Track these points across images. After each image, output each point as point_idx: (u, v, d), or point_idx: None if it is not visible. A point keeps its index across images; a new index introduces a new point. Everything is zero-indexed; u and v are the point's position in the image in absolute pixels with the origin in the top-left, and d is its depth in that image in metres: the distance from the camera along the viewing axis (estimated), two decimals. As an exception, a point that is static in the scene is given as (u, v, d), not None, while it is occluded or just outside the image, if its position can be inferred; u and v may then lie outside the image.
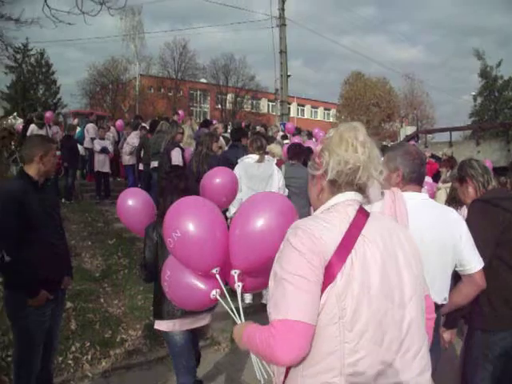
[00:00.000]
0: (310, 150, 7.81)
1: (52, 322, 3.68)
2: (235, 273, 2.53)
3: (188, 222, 2.55)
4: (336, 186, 1.86)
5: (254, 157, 6.76)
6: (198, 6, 38.66)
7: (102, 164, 12.34)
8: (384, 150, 9.75)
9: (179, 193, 3.40)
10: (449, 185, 8.07)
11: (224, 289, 2.55)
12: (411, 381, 1.74)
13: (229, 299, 2.52)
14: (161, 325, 3.58)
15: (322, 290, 1.67)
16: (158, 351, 5.34)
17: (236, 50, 79.67)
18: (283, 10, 24.17)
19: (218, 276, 2.54)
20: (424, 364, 1.80)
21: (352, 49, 71.92)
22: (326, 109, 61.10)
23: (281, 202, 2.63)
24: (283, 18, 24.25)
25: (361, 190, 1.87)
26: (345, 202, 1.84)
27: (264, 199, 2.69)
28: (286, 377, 1.80)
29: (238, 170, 6.55)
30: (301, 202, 7.17)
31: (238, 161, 6.82)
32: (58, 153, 10.63)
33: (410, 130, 29.26)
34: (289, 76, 25.28)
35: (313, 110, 61.13)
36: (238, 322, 2.37)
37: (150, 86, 43.73)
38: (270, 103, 52.25)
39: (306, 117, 57.97)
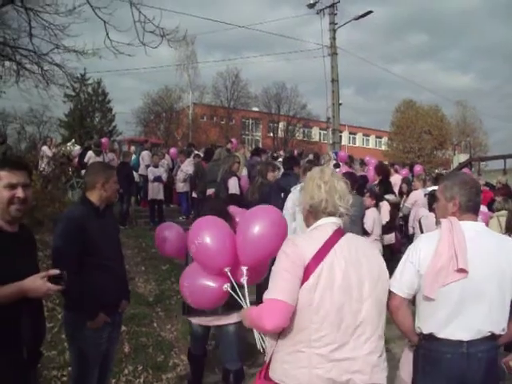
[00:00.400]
0: (363, 179, 7.79)
1: (108, 344, 3.73)
2: (244, 268, 3.29)
3: (206, 232, 3.40)
4: (313, 214, 2.64)
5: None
6: (250, 36, 39.66)
7: (156, 192, 12.52)
8: (439, 178, 9.62)
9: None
10: (502, 213, 7.87)
11: (234, 282, 3.29)
12: (361, 358, 2.45)
13: (238, 290, 3.26)
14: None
15: (301, 284, 2.41)
16: (209, 376, 5.34)
17: (287, 78, 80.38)
18: (334, 39, 24.30)
19: (229, 273, 3.28)
20: (373, 347, 2.50)
21: (403, 77, 71.19)
22: (377, 137, 60.67)
23: (274, 213, 3.50)
24: (334, 46, 24.37)
25: (336, 215, 2.61)
26: (326, 224, 2.59)
27: (260, 211, 3.57)
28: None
29: (293, 198, 6.57)
30: (355, 229, 7.12)
31: (292, 189, 6.84)
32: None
33: (463, 157, 28.60)
34: (340, 104, 25.31)
35: (364, 137, 60.80)
36: (245, 306, 3.11)
37: (203, 115, 44.47)
38: (322, 131, 52.15)
39: (357, 145, 57.70)
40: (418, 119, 47.45)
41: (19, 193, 2.57)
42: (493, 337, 2.79)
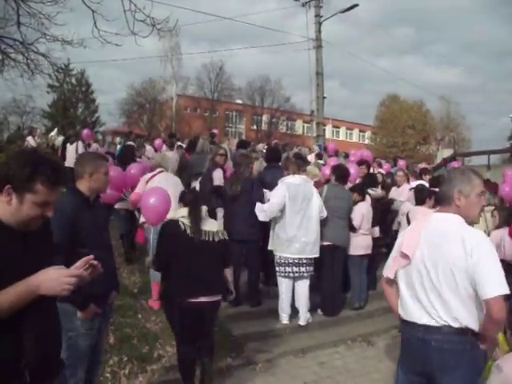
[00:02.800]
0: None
1: (98, 335, 3.74)
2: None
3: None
4: None
5: (297, 177, 6.82)
6: (236, 28, 39.52)
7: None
8: (424, 173, 9.57)
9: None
10: (488, 208, 7.93)
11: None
12: None
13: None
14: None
15: None
16: (223, 361, 5.51)
17: (272, 71, 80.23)
18: (320, 31, 24.33)
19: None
20: None
21: (388, 71, 71.55)
22: (361, 131, 60.99)
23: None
24: (320, 39, 24.40)
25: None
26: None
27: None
28: None
29: (281, 191, 6.63)
30: (340, 223, 7.21)
31: (278, 182, 6.89)
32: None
33: (446, 152, 28.79)
34: (324, 97, 25.32)
35: (348, 131, 61.04)
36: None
37: (187, 106, 44.34)
38: (305, 124, 52.23)
39: (340, 138, 57.87)
40: (402, 114, 47.71)
41: (48, 211, 2.26)
42: (454, 330, 2.86)
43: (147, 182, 7.14)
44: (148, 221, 6.31)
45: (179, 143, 13.65)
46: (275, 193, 6.77)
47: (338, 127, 59.48)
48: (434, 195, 7.49)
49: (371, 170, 10.69)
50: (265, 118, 48.01)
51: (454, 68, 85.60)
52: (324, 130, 43.19)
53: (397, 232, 7.98)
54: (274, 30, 43.33)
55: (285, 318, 6.82)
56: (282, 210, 6.70)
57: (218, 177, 7.78)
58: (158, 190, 6.24)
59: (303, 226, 6.69)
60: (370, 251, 7.88)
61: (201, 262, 4.48)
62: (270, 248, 6.96)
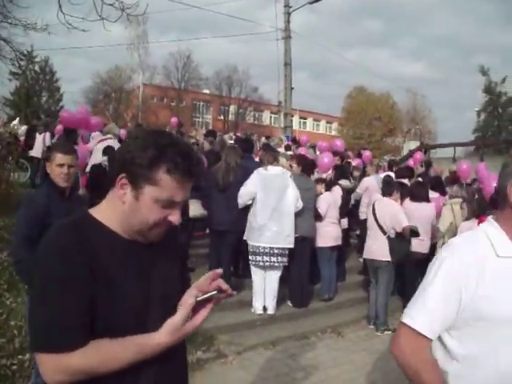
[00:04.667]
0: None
1: None
2: None
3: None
4: None
5: (270, 168, 6.78)
6: (204, 17, 39.16)
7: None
8: (392, 164, 9.68)
9: None
10: (455, 201, 8.03)
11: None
12: None
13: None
14: None
15: None
16: (193, 355, 5.38)
17: (240, 61, 79.82)
18: (289, 22, 24.19)
19: None
20: None
21: (356, 63, 71.97)
22: (328, 122, 61.27)
23: None
24: (288, 30, 24.28)
25: None
26: None
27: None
28: None
29: (254, 180, 6.59)
30: (307, 214, 7.18)
31: (254, 171, 6.84)
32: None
33: (413, 144, 29.19)
34: (292, 88, 25.25)
35: (315, 122, 61.30)
36: None
37: (153, 96, 43.83)
38: (273, 115, 52.32)
39: (307, 129, 57.98)
40: (369, 106, 48.17)
41: (175, 216, 1.58)
42: None
43: (98, 142, 9.36)
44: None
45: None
46: (247, 182, 6.74)
47: (305, 118, 59.62)
48: (400, 188, 7.58)
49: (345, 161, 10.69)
50: (232, 108, 47.78)
51: (420, 61, 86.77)
52: (291, 120, 43.34)
53: (365, 222, 8.03)
54: (244, 19, 42.76)
55: (258, 309, 6.82)
56: (254, 199, 6.69)
57: None
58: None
59: (275, 215, 6.65)
60: (339, 242, 7.89)
61: None
62: (244, 237, 6.93)
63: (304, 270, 7.34)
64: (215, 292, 1.67)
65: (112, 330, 1.53)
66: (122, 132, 15.19)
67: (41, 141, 12.85)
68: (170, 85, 44.35)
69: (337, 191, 8.11)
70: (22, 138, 13.30)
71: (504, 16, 78.61)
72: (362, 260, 9.44)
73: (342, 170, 9.32)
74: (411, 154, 24.38)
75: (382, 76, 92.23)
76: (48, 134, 12.95)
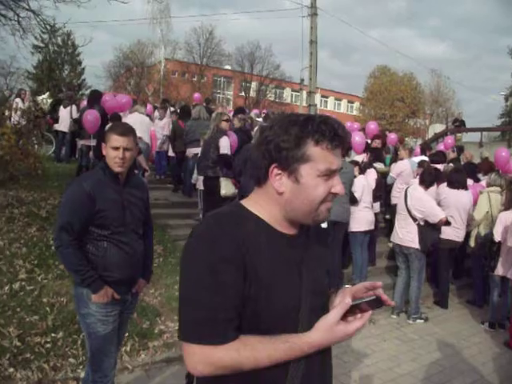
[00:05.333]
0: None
1: (121, 325, 3.51)
2: None
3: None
4: None
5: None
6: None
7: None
8: (425, 148, 9.41)
9: None
10: (493, 189, 7.79)
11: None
12: None
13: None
14: None
15: None
16: None
17: (262, 38, 79.07)
18: (315, -1, 23.77)
19: None
20: None
21: (380, 41, 70.98)
22: (349, 101, 60.73)
23: None
24: (315, 7, 23.87)
25: None
26: None
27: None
28: None
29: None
30: (342, 198, 7.01)
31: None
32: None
33: (438, 127, 28.74)
34: (309, 67, 24.91)
35: (336, 102, 60.71)
36: None
37: (175, 71, 43.62)
38: (294, 93, 51.96)
39: (329, 108, 57.52)
40: (392, 86, 47.35)
41: (338, 186, 1.53)
42: None
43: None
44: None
45: (172, 108, 13.24)
46: None
47: (327, 97, 59.10)
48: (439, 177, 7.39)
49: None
50: (253, 85, 47.40)
51: (445, 42, 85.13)
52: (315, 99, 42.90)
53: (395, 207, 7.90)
54: None
55: None
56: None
57: (225, 145, 7.51)
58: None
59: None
60: (372, 227, 7.74)
61: None
62: None
63: (337, 254, 7.20)
64: (374, 297, 1.54)
65: (262, 328, 1.48)
66: (149, 107, 15.08)
67: (66, 114, 12.78)
68: (191, 60, 44.07)
69: (371, 174, 7.92)
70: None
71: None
72: (390, 245, 9.32)
73: (378, 153, 9.09)
74: (436, 137, 24.15)
75: (406, 56, 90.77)
76: (74, 107, 12.90)
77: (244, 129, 9.99)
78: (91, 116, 9.58)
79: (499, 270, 6.76)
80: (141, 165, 8.25)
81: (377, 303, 1.53)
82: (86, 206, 3.11)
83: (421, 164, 8.21)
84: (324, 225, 6.48)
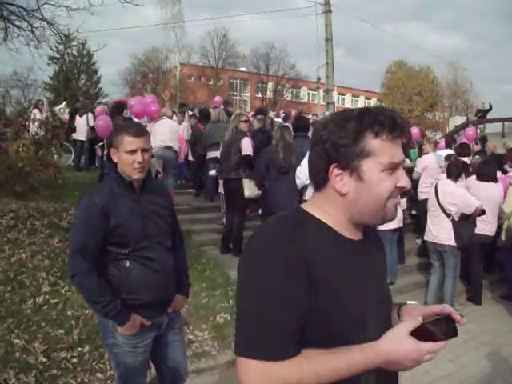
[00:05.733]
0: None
1: (167, 351, 3.09)
2: None
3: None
4: None
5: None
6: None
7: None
8: (450, 142, 9.13)
9: None
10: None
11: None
12: None
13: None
14: None
15: None
16: (227, 354, 5.04)
17: (276, 38, 78.88)
18: (329, -4, 23.56)
19: None
20: None
21: (394, 36, 70.46)
22: (366, 98, 60.29)
23: None
24: (329, 4, 23.68)
25: None
26: None
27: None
28: None
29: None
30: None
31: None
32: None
33: (459, 119, 28.23)
34: (326, 65, 24.73)
35: (353, 98, 60.34)
36: None
37: (191, 75, 43.73)
38: (310, 92, 51.85)
39: (346, 105, 57.13)
40: (409, 80, 47.03)
41: (403, 179, 1.47)
42: None
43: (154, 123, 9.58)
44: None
45: (191, 112, 13.12)
46: (304, 160, 6.35)
47: (344, 94, 58.73)
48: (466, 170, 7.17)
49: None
50: (270, 85, 47.33)
51: (459, 34, 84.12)
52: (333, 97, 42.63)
53: (424, 203, 7.70)
54: None
55: None
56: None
57: (246, 146, 7.39)
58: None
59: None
60: (401, 224, 7.54)
61: None
62: None
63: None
64: (445, 315, 1.41)
65: (329, 339, 1.36)
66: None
67: (83, 123, 12.76)
68: (207, 64, 44.18)
69: (399, 171, 7.67)
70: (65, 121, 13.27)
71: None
72: (418, 241, 9.10)
73: (403, 149, 8.83)
74: (457, 129, 23.75)
75: (420, 50, 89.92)
76: (90, 115, 12.88)
77: (263, 129, 9.86)
78: (103, 121, 9.67)
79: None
80: (154, 167, 8.01)
81: (448, 326, 1.39)
82: (101, 223, 2.71)
83: (447, 158, 7.99)
84: None
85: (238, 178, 7.39)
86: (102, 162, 10.67)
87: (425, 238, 6.95)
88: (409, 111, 46.12)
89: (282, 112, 17.61)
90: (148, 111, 10.88)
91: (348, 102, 59.32)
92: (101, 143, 11.41)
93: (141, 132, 2.86)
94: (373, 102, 57.21)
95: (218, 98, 16.12)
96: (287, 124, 8.53)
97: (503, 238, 7.60)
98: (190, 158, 11.54)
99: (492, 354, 5.73)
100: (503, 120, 23.02)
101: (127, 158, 2.79)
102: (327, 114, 17.43)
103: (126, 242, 2.78)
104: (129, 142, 2.79)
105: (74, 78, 38.61)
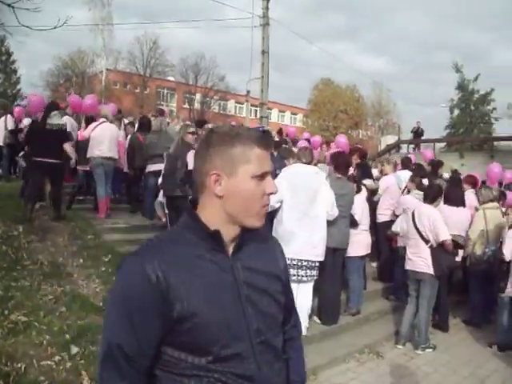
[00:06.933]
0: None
1: None
2: None
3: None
4: None
5: (303, 167, 5.73)
6: (171, 3, 37.50)
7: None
8: (406, 162, 8.75)
9: None
10: (490, 205, 7.37)
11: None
12: None
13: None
14: None
15: None
16: None
17: (206, 49, 78.40)
18: (267, 8, 23.03)
19: None
20: None
21: (320, 55, 71.89)
22: (293, 113, 60.75)
23: None
24: (267, 17, 23.14)
25: None
26: None
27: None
28: None
29: (282, 181, 5.48)
30: (344, 222, 6.20)
31: (282, 170, 5.79)
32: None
33: (390, 139, 28.63)
34: (262, 77, 24.25)
35: (280, 114, 60.47)
36: None
37: (117, 82, 42.17)
38: (238, 105, 51.61)
39: (272, 120, 57.09)
40: (336, 98, 47.93)
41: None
42: None
43: (93, 129, 8.95)
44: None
45: (127, 121, 12.04)
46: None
47: (271, 109, 58.56)
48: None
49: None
50: (198, 96, 46.55)
51: (383, 56, 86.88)
52: (256, 111, 42.45)
53: (383, 225, 7.66)
54: (217, 1, 40.60)
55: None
56: (282, 203, 5.60)
57: (192, 160, 6.57)
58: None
59: (304, 222, 5.56)
60: (369, 250, 7.00)
61: None
62: None
63: (337, 283, 6.42)
64: None
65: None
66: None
67: (1, 126, 11.44)
68: (134, 71, 42.78)
69: (363, 194, 7.12)
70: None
71: (462, 15, 78.81)
72: (374, 265, 8.66)
73: (365, 169, 8.32)
74: (389, 148, 24.00)
75: (346, 69, 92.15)
76: (10, 117, 11.60)
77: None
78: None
79: (510, 291, 6.35)
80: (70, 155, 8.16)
81: None
82: (154, 309, 1.41)
83: (412, 179, 7.66)
84: (319, 258, 5.66)
85: (184, 196, 6.57)
86: (24, 172, 9.51)
87: (405, 267, 6.41)
88: (334, 128, 47.01)
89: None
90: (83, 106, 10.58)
91: (274, 117, 59.32)
92: (22, 153, 10.20)
93: (270, 143, 1.82)
94: (298, 118, 57.76)
95: (165, 109, 15.29)
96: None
97: (467, 263, 7.42)
98: (125, 170, 10.44)
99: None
100: (434, 141, 23.50)
101: (255, 187, 1.53)
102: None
103: (204, 344, 1.44)
104: (261, 158, 1.54)
105: (-11, 76, 36.31)
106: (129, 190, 10.61)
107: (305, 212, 5.57)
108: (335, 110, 47.87)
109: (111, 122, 9.49)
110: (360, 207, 6.64)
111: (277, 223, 5.67)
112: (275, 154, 7.56)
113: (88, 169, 9.34)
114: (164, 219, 8.07)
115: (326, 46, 74.36)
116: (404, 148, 24.59)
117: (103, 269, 6.48)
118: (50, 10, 9.17)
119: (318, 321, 6.32)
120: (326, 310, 6.34)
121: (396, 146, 24.64)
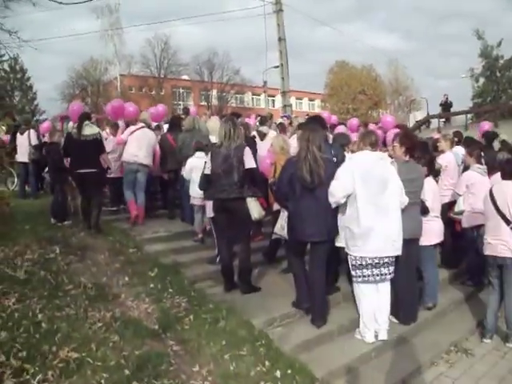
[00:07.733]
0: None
1: None
2: None
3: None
4: None
5: (369, 153, 5.08)
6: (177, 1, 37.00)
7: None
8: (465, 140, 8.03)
9: None
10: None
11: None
12: None
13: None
14: None
15: None
16: None
17: (219, 44, 77.47)
18: (281, -5, 22.32)
19: None
20: None
21: (333, 38, 70.69)
22: (310, 99, 60.01)
23: None
24: (280, 3, 22.43)
25: None
26: None
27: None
28: None
29: (348, 171, 4.87)
30: (415, 210, 5.55)
31: (346, 159, 5.18)
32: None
33: (419, 115, 27.73)
34: (277, 67, 23.64)
35: (297, 101, 59.66)
36: None
37: (132, 86, 41.90)
38: (255, 97, 51.07)
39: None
40: (352, 80, 47.16)
41: None
42: None
43: (131, 133, 8.83)
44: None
45: (154, 123, 11.49)
46: (338, 173, 5.03)
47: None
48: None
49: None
50: (214, 92, 46.03)
51: (395, 32, 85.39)
52: (273, 100, 41.85)
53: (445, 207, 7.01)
54: None
55: (369, 337, 5.20)
56: (352, 196, 5.00)
57: (250, 157, 6.02)
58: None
59: (381, 216, 4.95)
60: (442, 237, 6.31)
61: None
62: (338, 245, 5.39)
63: (413, 277, 5.81)
64: None
65: None
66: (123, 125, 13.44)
67: (24, 142, 10.96)
68: (148, 73, 42.45)
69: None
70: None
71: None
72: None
73: (425, 148, 7.65)
74: (419, 125, 23.11)
75: (359, 50, 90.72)
76: (33, 132, 11.07)
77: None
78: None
79: None
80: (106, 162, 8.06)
81: None
82: None
83: (470, 153, 7.21)
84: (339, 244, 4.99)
85: (242, 197, 5.93)
86: (52, 187, 8.97)
87: (485, 253, 5.69)
88: (354, 110, 46.20)
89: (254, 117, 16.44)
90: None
91: (293, 105, 58.65)
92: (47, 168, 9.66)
93: None
94: (317, 104, 56.95)
95: (193, 108, 14.81)
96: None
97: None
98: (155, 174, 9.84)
99: None
100: (466, 112, 22.57)
101: None
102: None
103: None
104: None
105: (8, 95, 36.14)
106: (164, 194, 10.06)
107: (379, 204, 4.99)
108: (353, 92, 47.06)
109: (149, 128, 9.25)
110: (431, 192, 5.97)
111: (349, 221, 5.08)
112: (330, 140, 6.89)
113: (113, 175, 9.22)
114: (201, 235, 7.77)
115: (336, 29, 73.07)
116: (434, 123, 23.61)
117: (151, 285, 5.90)
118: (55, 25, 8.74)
119: (395, 320, 5.65)
120: (404, 308, 5.69)
121: (426, 122, 23.73)
